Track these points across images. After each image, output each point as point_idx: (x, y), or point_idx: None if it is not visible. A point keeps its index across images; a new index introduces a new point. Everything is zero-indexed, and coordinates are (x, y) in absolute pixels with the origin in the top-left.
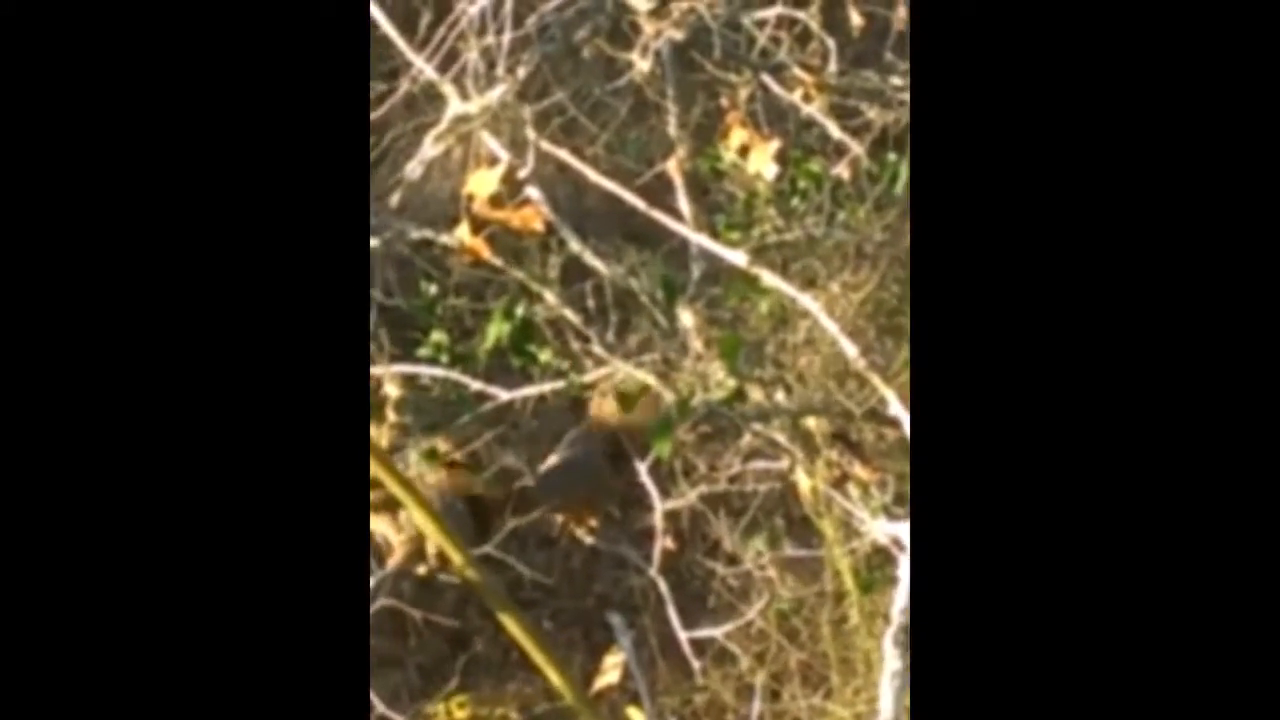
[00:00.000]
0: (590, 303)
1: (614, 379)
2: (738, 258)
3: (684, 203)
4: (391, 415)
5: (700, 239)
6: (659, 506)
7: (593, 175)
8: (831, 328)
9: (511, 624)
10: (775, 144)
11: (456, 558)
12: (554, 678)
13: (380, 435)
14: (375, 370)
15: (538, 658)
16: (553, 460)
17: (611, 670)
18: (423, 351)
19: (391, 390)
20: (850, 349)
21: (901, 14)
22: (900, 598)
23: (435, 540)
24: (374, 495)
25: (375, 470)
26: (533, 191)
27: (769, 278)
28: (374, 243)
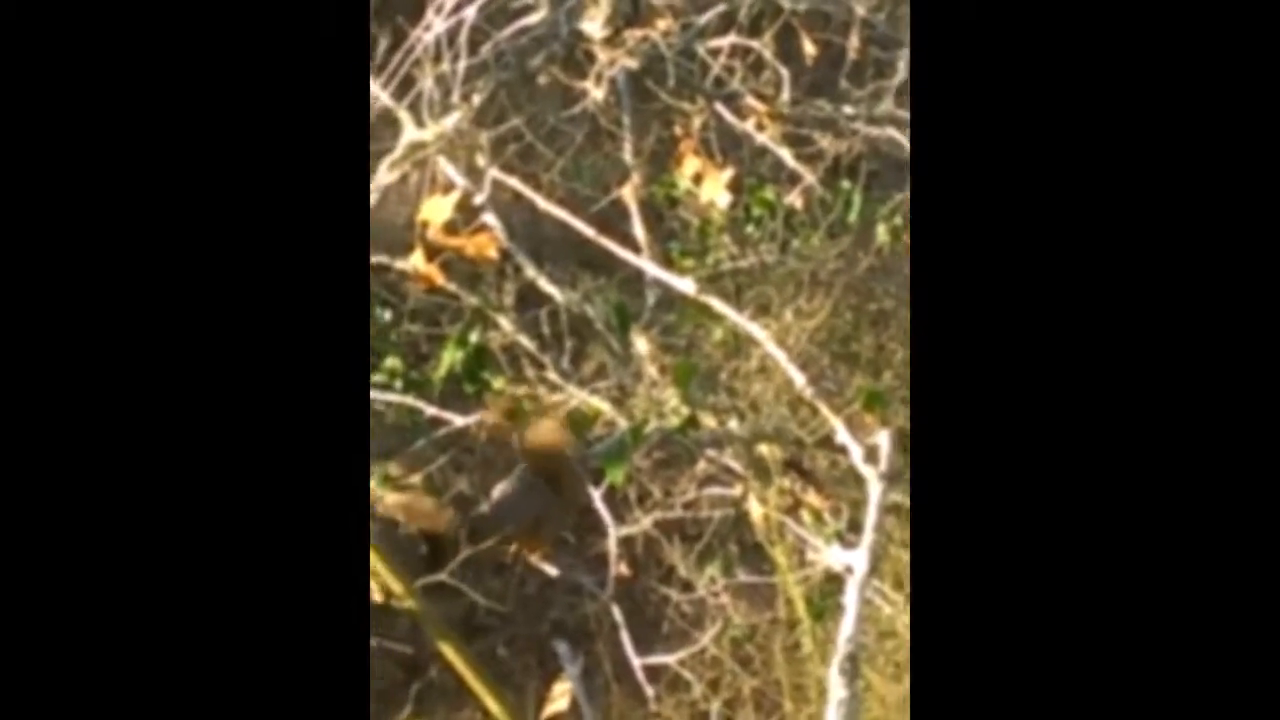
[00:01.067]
0: (545, 329)
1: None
2: (686, 285)
3: (639, 230)
4: None
5: (653, 267)
6: (613, 532)
7: (546, 204)
8: (780, 356)
9: (452, 653)
10: (729, 172)
11: (397, 587)
12: (493, 706)
13: None
14: None
15: (478, 687)
16: (502, 487)
17: (560, 698)
18: (378, 377)
19: None
20: (798, 377)
21: (855, 43)
22: (847, 626)
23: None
24: None
25: None
26: (489, 218)
27: (719, 305)
28: None
